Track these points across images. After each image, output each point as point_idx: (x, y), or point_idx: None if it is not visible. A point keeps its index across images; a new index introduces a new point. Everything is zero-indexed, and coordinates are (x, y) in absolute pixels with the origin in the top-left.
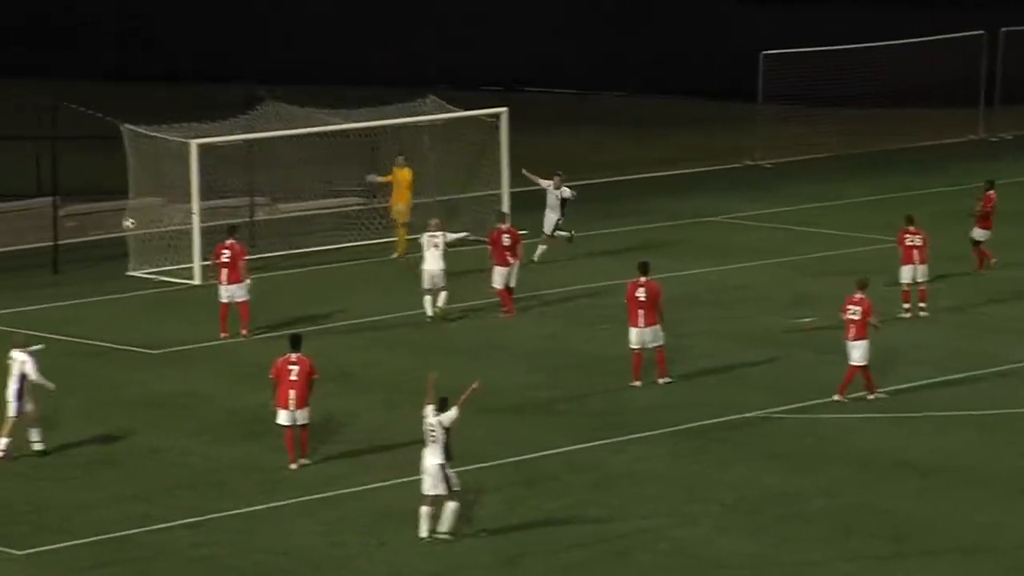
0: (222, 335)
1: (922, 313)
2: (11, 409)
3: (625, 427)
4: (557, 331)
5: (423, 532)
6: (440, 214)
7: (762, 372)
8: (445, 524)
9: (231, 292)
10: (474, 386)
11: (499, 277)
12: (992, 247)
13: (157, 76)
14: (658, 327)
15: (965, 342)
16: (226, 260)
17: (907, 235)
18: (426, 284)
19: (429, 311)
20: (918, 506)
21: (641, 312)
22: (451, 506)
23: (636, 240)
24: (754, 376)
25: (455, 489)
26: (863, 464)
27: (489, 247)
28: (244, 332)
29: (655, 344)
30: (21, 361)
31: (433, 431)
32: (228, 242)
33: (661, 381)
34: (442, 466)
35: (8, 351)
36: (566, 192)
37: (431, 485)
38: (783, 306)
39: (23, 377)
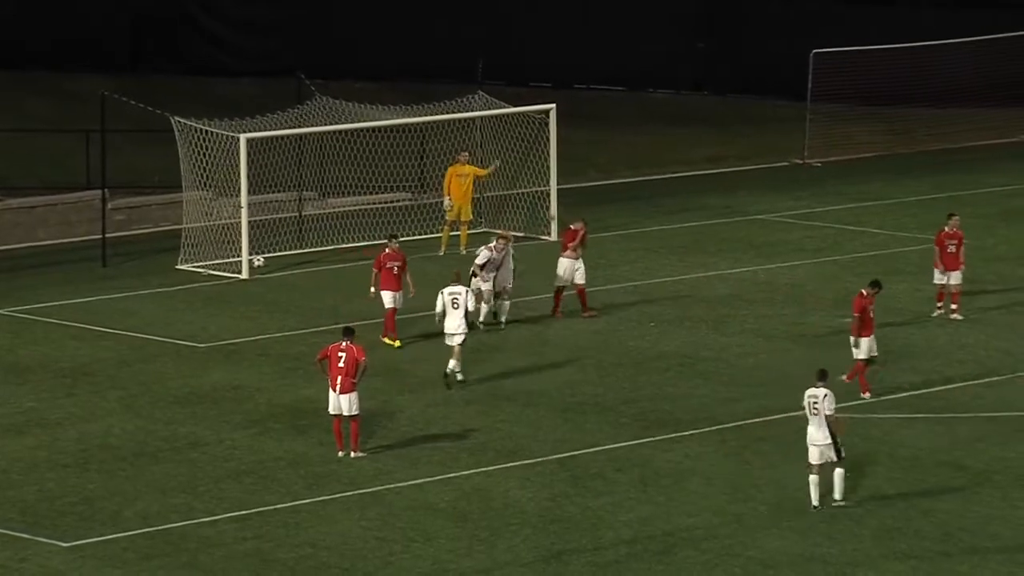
0: (389, 342)
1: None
2: (458, 339)
3: (671, 425)
4: (605, 328)
5: (815, 501)
6: (489, 210)
7: (808, 371)
8: (837, 492)
9: (398, 299)
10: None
11: (580, 274)
12: None
13: (209, 70)
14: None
15: (1012, 343)
16: (397, 267)
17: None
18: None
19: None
20: (965, 506)
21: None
22: (839, 472)
23: (685, 238)
24: (800, 375)
25: (843, 456)
26: (909, 464)
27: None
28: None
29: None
30: (463, 293)
31: (816, 404)
32: (394, 249)
33: (866, 395)
34: (832, 437)
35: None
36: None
37: (819, 455)
38: (830, 305)
39: (465, 308)
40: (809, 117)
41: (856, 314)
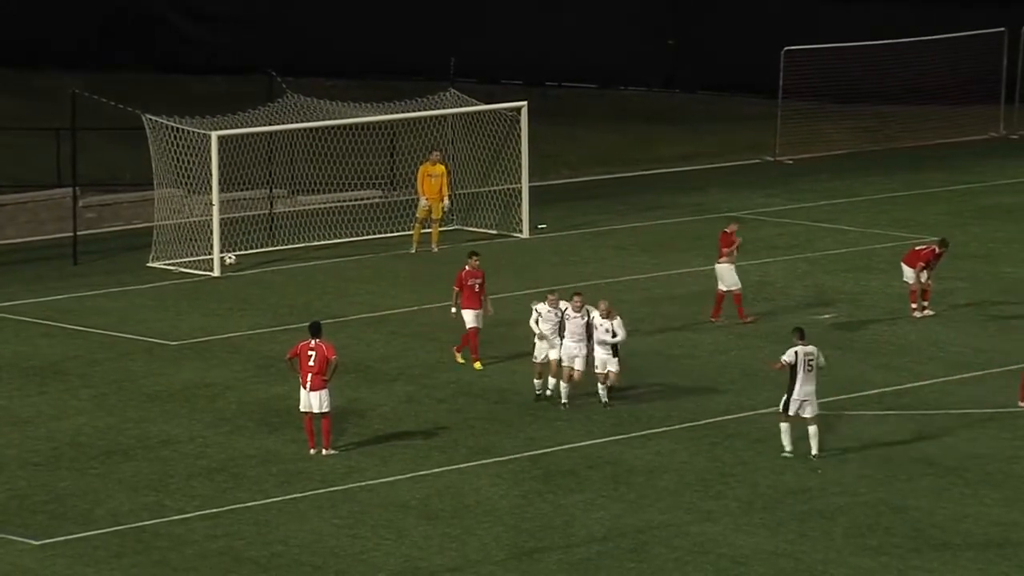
0: (459, 360)
1: (928, 312)
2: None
3: (643, 422)
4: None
5: (788, 447)
6: (461, 208)
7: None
8: (814, 447)
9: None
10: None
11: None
12: (1007, 243)
13: (179, 67)
14: None
15: (982, 340)
16: (478, 285)
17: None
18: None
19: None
20: (936, 504)
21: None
22: (813, 429)
23: (657, 235)
24: (772, 373)
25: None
26: (881, 461)
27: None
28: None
29: None
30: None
31: (812, 360)
32: (474, 267)
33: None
34: (815, 392)
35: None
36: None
37: (803, 409)
38: (801, 302)
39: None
40: (780, 114)
41: None
